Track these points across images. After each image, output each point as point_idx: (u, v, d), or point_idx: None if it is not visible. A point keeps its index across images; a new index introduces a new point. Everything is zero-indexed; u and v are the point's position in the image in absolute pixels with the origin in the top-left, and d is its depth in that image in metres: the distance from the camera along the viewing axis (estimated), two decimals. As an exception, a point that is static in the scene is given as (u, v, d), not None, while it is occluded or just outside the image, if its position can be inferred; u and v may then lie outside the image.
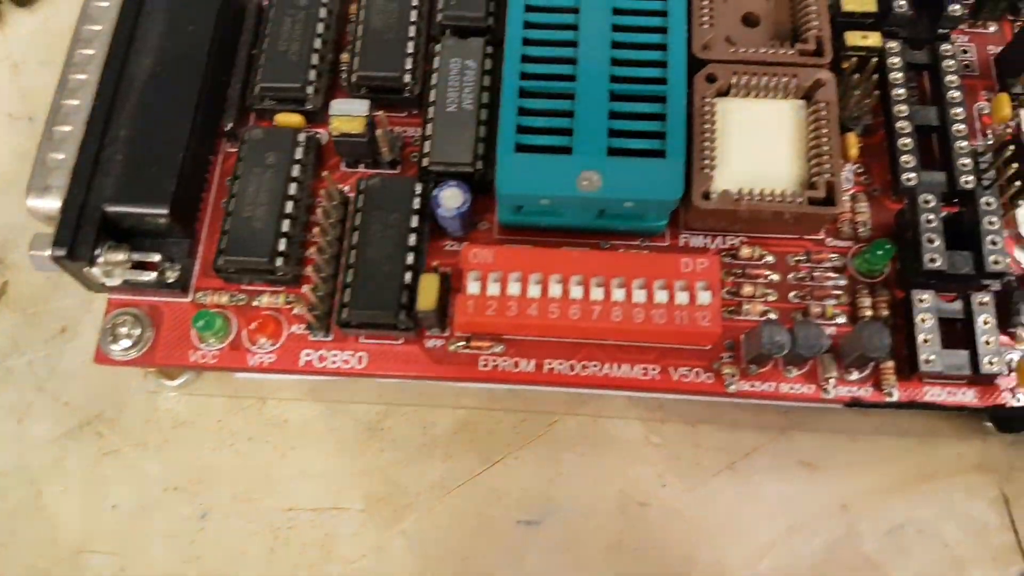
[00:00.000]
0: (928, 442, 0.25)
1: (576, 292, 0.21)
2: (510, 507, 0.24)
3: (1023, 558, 0.24)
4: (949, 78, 0.24)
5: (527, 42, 0.22)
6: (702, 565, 0.24)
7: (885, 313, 0.22)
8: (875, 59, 0.23)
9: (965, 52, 0.26)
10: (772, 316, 0.22)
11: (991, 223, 0.21)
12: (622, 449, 0.25)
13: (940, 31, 0.25)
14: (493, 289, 0.21)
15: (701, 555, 0.24)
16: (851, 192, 0.24)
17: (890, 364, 0.22)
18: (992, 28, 0.26)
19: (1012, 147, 0.23)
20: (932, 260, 0.21)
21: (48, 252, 0.21)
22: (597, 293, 0.21)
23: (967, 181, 0.23)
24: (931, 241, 0.21)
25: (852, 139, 0.23)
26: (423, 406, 0.25)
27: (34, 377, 0.26)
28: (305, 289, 0.22)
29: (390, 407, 0.25)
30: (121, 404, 0.26)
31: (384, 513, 0.24)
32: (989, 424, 0.24)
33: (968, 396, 0.22)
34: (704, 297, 0.21)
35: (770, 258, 0.23)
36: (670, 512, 0.24)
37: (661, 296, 0.21)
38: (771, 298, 0.23)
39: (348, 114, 0.22)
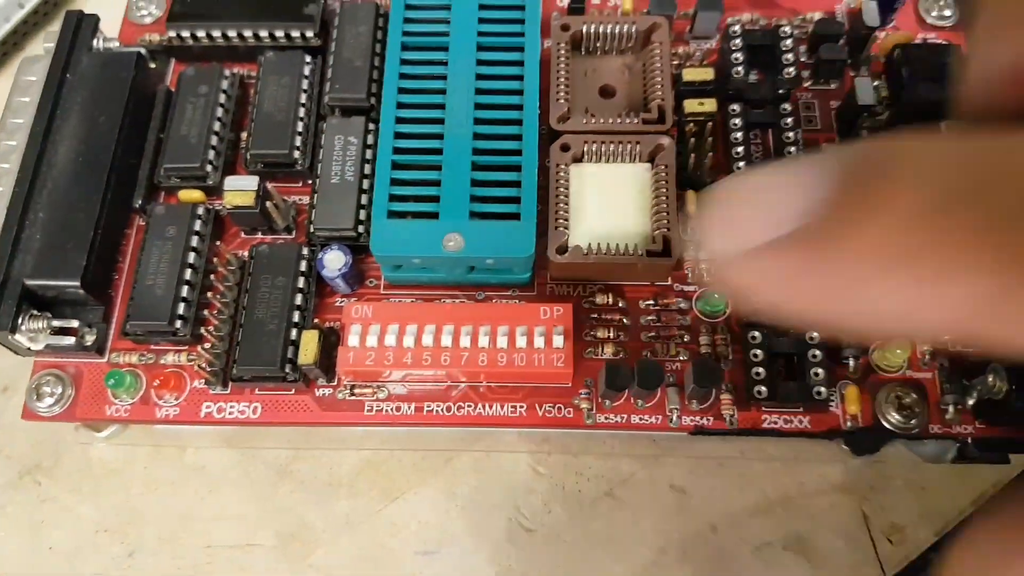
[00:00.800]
0: (792, 465, 0.27)
1: (447, 340, 0.24)
2: (409, 539, 0.26)
3: (882, 571, 0.26)
4: (786, 135, 0.27)
5: (399, 120, 0.25)
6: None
7: (722, 349, 0.25)
8: (710, 123, 0.26)
9: (809, 108, 0.29)
10: (622, 356, 0.25)
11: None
12: (511, 480, 0.27)
13: (780, 92, 0.27)
14: (372, 341, 0.24)
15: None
16: (699, 241, 0.26)
17: (729, 396, 0.24)
18: (834, 85, 0.29)
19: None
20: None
21: (-28, 323, 0.24)
22: (465, 341, 0.24)
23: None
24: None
25: (691, 195, 0.26)
26: (329, 449, 0.27)
27: (-23, 433, 0.28)
28: (200, 348, 0.24)
29: (299, 451, 0.27)
30: (57, 455, 0.28)
31: (295, 548, 0.26)
32: (845, 447, 0.27)
33: (804, 423, 0.24)
34: (559, 341, 0.24)
35: (623, 303, 0.25)
36: (554, 537, 0.26)
37: (521, 342, 0.24)
38: (623, 339, 0.25)
39: (240, 189, 0.25)
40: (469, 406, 0.25)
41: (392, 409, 0.25)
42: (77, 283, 0.24)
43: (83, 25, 0.28)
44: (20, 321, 0.24)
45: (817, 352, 0.24)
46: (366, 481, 0.27)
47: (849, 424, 0.24)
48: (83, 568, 0.26)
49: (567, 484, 0.27)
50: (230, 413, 0.25)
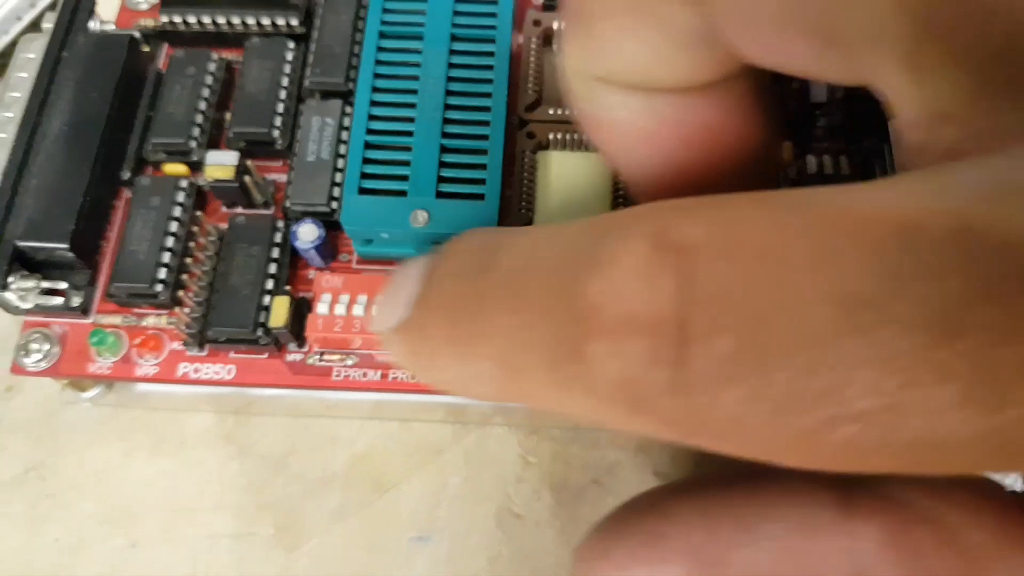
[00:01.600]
0: None
1: (411, 312, 0.25)
2: (401, 526, 0.28)
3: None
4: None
5: (373, 103, 0.27)
6: (571, 568, 0.27)
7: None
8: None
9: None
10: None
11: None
12: (502, 470, 0.28)
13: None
14: (340, 310, 0.26)
15: (570, 559, 0.27)
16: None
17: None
18: (795, 84, 0.30)
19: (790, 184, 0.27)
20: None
21: (-35, 281, 0.25)
22: (428, 312, 0.25)
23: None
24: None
25: (647, 182, 0.28)
26: (323, 446, 0.29)
27: (-19, 431, 0.30)
28: (178, 310, 0.26)
29: (295, 445, 0.29)
30: (59, 453, 0.29)
31: (290, 537, 0.28)
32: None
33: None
34: (515, 315, 0.25)
35: (579, 282, 0.27)
36: (543, 523, 0.28)
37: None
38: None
39: (220, 163, 0.26)
40: (432, 374, 0.26)
41: (359, 375, 0.26)
42: (66, 246, 0.26)
43: (80, 8, 0.29)
44: (11, 280, 0.26)
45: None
46: (360, 473, 0.28)
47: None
48: (87, 558, 0.28)
49: (555, 472, 0.28)
50: (205, 374, 0.26)
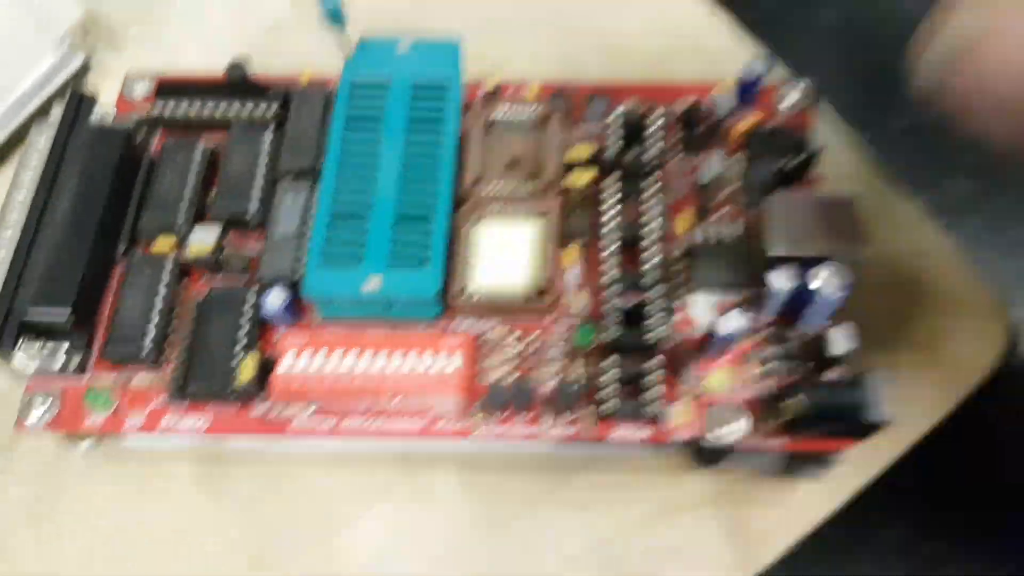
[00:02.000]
0: (674, 478, 0.32)
1: (363, 364, 0.29)
2: (354, 560, 0.32)
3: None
4: (647, 203, 0.32)
5: (337, 184, 0.31)
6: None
7: (584, 372, 0.30)
8: (589, 190, 0.32)
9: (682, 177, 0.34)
10: (509, 379, 0.30)
11: (649, 310, 0.30)
12: (445, 506, 0.32)
13: (648, 166, 0.33)
14: (301, 366, 0.29)
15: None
16: (578, 286, 0.32)
17: (588, 412, 0.29)
18: (701, 156, 0.34)
19: (683, 251, 0.31)
20: (607, 336, 0.29)
21: (-20, 346, 0.29)
22: (379, 364, 0.29)
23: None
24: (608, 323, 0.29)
25: (570, 250, 0.32)
26: (287, 488, 0.33)
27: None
28: (163, 369, 0.30)
29: (263, 489, 0.33)
30: (54, 499, 0.33)
31: (261, 572, 0.32)
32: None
33: (645, 433, 0.29)
34: (455, 365, 0.29)
35: (514, 336, 0.31)
36: (481, 551, 0.32)
37: (425, 366, 0.29)
38: (510, 366, 0.30)
39: (202, 241, 0.30)
40: (382, 420, 0.30)
41: (317, 424, 0.30)
42: (68, 311, 0.30)
43: (84, 104, 0.34)
44: (19, 345, 0.30)
45: (653, 377, 0.29)
46: (319, 513, 0.33)
47: (679, 437, 0.29)
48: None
49: (492, 503, 0.32)
50: (184, 425, 0.30)
